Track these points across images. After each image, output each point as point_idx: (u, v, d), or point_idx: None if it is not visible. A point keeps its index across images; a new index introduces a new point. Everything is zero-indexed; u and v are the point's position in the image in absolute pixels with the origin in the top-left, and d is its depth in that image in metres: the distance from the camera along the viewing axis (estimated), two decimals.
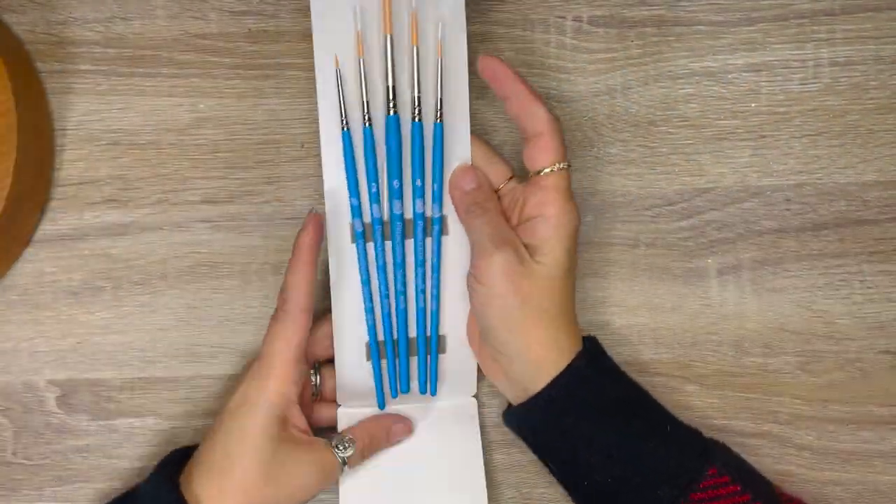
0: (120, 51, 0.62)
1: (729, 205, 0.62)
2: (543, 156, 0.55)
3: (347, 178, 0.57)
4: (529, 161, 0.56)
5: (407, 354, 0.59)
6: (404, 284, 0.58)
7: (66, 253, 0.62)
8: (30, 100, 0.60)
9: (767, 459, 0.62)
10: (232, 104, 0.62)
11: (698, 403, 0.62)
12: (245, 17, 0.62)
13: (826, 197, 0.62)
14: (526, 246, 0.55)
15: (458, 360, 0.59)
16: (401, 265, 0.57)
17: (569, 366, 0.54)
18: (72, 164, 0.62)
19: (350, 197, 0.57)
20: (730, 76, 0.62)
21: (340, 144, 0.56)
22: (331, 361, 0.59)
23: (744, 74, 0.62)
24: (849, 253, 0.62)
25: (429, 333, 0.59)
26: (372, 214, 0.57)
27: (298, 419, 0.55)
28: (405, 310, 0.58)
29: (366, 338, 0.58)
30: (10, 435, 0.61)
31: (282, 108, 0.62)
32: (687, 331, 0.62)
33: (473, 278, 0.55)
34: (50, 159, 0.62)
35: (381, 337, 0.58)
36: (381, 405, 0.59)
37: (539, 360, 0.55)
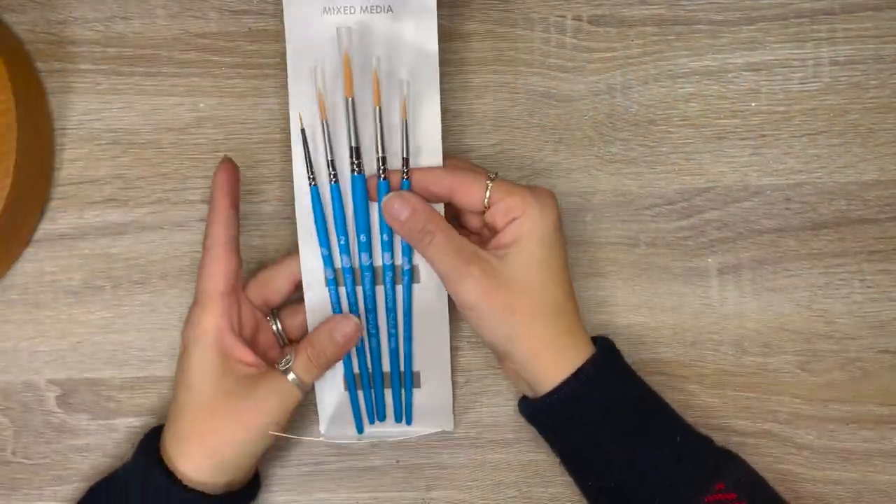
0: (120, 50, 0.62)
1: (729, 204, 0.62)
2: (470, 190, 0.55)
3: (317, 229, 0.57)
4: (475, 206, 0.55)
5: (382, 387, 0.60)
6: (376, 327, 0.59)
7: (66, 252, 0.62)
8: (30, 99, 0.60)
9: (767, 459, 0.62)
10: (232, 103, 0.62)
11: (698, 403, 0.62)
12: (245, 16, 0.62)
13: (826, 196, 0.62)
14: (503, 258, 0.54)
15: (432, 394, 0.60)
16: (372, 310, 0.58)
17: (578, 370, 0.54)
18: (72, 163, 0.62)
19: (321, 247, 0.57)
20: (730, 75, 0.63)
21: (310, 197, 0.57)
22: (290, 303, 0.59)
23: (744, 73, 0.62)
24: (849, 252, 0.62)
25: (402, 369, 0.60)
26: (342, 263, 0.58)
27: (243, 352, 0.55)
28: (378, 348, 0.59)
29: (343, 370, 0.59)
30: (9, 434, 0.62)
31: (282, 107, 0.62)
32: (687, 330, 0.62)
33: (458, 306, 0.55)
34: (50, 159, 0.62)
35: (357, 370, 0.60)
36: (360, 430, 0.60)
37: (546, 365, 0.54)
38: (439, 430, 0.61)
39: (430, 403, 0.60)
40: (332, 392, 0.60)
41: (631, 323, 0.62)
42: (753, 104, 0.63)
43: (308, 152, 0.56)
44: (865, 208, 0.62)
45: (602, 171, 0.62)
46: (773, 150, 0.62)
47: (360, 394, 0.60)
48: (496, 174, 0.55)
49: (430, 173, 0.55)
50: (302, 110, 0.56)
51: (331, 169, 0.56)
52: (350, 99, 0.55)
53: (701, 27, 0.63)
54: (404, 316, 0.58)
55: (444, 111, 0.62)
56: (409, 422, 0.61)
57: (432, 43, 0.56)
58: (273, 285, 0.58)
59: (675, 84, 0.63)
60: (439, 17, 0.62)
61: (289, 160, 0.58)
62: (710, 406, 0.62)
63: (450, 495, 0.62)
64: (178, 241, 0.62)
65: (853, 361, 0.62)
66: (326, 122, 0.56)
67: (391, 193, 0.55)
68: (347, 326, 0.56)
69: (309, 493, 0.62)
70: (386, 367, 0.60)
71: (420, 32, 0.56)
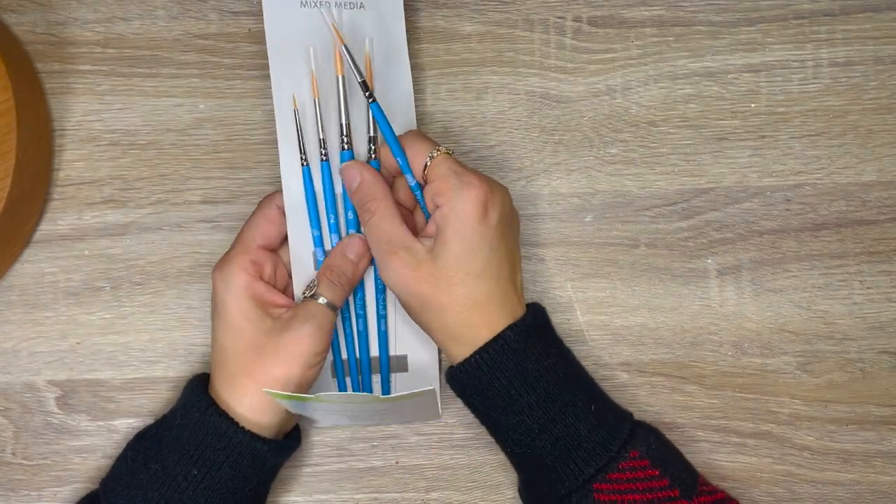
0: (120, 51, 0.62)
1: (729, 205, 0.62)
2: (413, 161, 0.56)
3: (308, 210, 0.58)
4: (416, 172, 0.56)
5: (369, 372, 0.60)
6: (364, 308, 0.59)
7: (65, 253, 0.62)
8: (30, 100, 0.60)
9: (767, 460, 0.62)
10: (232, 104, 0.62)
11: (698, 403, 0.62)
12: (245, 17, 0.62)
13: (826, 197, 0.62)
14: (428, 249, 0.54)
15: (419, 379, 0.60)
16: (359, 289, 0.59)
17: (496, 337, 0.54)
18: (71, 164, 0.62)
19: (311, 228, 0.58)
20: (729, 76, 0.63)
21: (300, 178, 0.58)
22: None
23: (743, 75, 0.63)
24: (849, 253, 0.62)
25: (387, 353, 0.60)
26: (332, 244, 0.58)
27: (274, 296, 0.56)
28: (366, 332, 0.59)
29: (331, 357, 0.60)
30: (9, 435, 0.61)
31: None
32: (687, 331, 0.62)
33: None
34: (49, 159, 0.62)
35: (344, 356, 0.60)
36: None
37: (459, 350, 0.55)
38: (425, 389, 0.57)
39: (417, 388, 0.59)
40: (319, 381, 0.59)
41: (630, 324, 0.62)
42: (753, 105, 0.63)
43: (301, 133, 0.57)
44: (865, 209, 0.62)
45: (602, 172, 0.62)
46: (772, 151, 0.63)
47: (348, 381, 0.60)
48: (448, 151, 0.55)
49: (386, 147, 0.57)
50: (286, 95, 0.57)
51: (322, 148, 0.57)
52: (341, 77, 0.57)
53: (700, 28, 0.63)
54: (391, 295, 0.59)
55: (444, 112, 0.63)
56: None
57: (399, 27, 0.58)
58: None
59: (675, 85, 0.63)
60: (439, 17, 0.63)
61: None
62: (709, 407, 0.62)
63: (450, 496, 0.62)
64: (177, 242, 0.62)
65: (853, 362, 0.62)
66: (319, 100, 0.57)
67: (352, 160, 0.57)
68: (355, 244, 0.57)
69: (309, 494, 0.62)
70: (374, 351, 0.60)
71: (388, 20, 0.58)
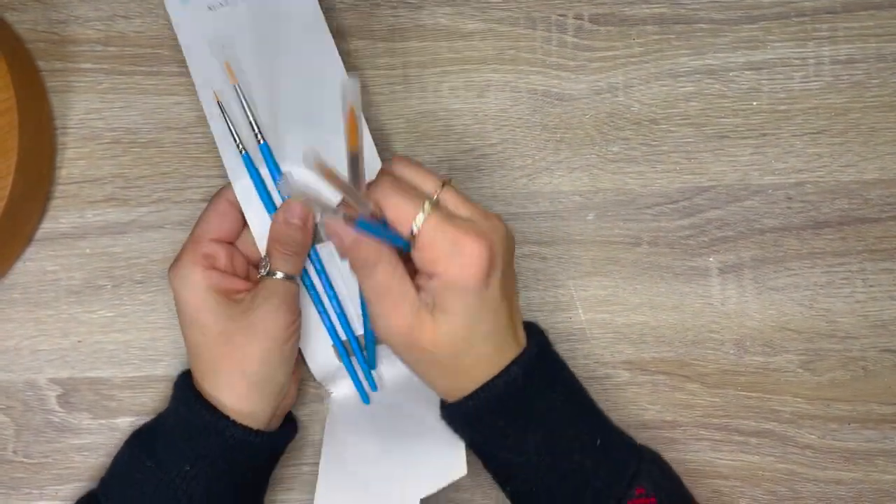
0: (121, 49, 0.62)
1: (730, 203, 0.62)
2: (398, 219, 0.49)
3: (260, 195, 0.57)
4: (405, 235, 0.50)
5: (374, 345, 0.60)
6: (332, 288, 0.59)
7: (67, 251, 0.62)
8: (31, 98, 0.60)
9: (769, 458, 0.61)
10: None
11: (700, 402, 0.62)
12: None
13: (828, 195, 0.62)
14: (429, 312, 0.51)
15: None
16: (322, 273, 0.59)
17: (501, 373, 0.52)
18: (73, 162, 0.62)
19: (267, 211, 0.57)
20: (731, 74, 0.62)
21: (244, 167, 0.57)
22: None
23: (745, 72, 0.62)
24: (851, 251, 0.62)
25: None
26: None
27: (232, 282, 0.55)
28: (343, 315, 0.59)
29: (329, 340, 0.59)
30: (11, 433, 0.61)
31: None
32: (688, 329, 0.62)
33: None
34: (51, 157, 0.62)
35: (343, 337, 0.60)
36: (366, 401, 0.60)
37: (462, 376, 0.52)
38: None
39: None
40: (325, 366, 0.60)
41: (632, 322, 0.62)
42: (755, 103, 0.63)
43: (230, 123, 0.57)
44: (867, 207, 0.62)
45: (604, 170, 0.62)
46: (774, 149, 0.62)
47: (354, 360, 0.60)
48: (433, 201, 0.50)
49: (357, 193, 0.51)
50: (208, 93, 0.58)
51: (256, 129, 0.57)
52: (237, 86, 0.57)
53: (702, 26, 0.63)
54: None
55: (446, 110, 0.63)
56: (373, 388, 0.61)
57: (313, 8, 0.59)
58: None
59: (677, 83, 0.63)
60: (441, 15, 0.63)
61: None
62: (711, 405, 0.62)
63: (450, 495, 0.62)
64: (179, 240, 0.62)
65: (855, 361, 0.62)
66: (239, 85, 0.57)
67: (330, 217, 0.49)
68: (295, 208, 0.55)
69: (309, 493, 0.61)
70: (359, 330, 0.60)
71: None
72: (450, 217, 0.50)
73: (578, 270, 0.62)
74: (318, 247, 0.59)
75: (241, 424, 0.54)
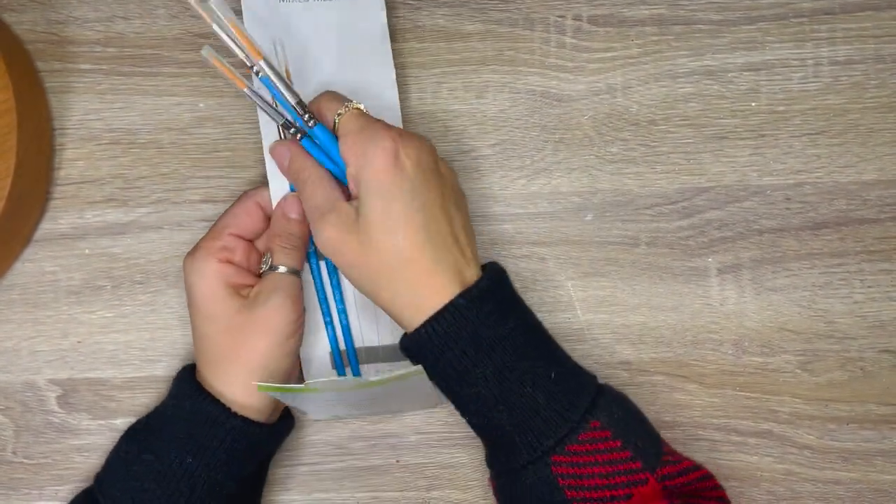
0: (120, 50, 0.62)
1: (729, 204, 0.62)
2: (321, 112, 0.55)
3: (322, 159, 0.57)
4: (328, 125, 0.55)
5: (356, 359, 0.60)
6: (343, 301, 0.59)
7: (66, 252, 0.62)
8: (30, 99, 0.60)
9: (768, 459, 0.62)
10: (232, 103, 0.62)
11: (698, 402, 0.62)
12: None
13: (826, 196, 0.62)
14: (356, 208, 0.53)
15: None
16: (337, 287, 0.59)
17: (447, 305, 0.52)
18: (72, 163, 0.62)
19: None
20: (730, 75, 0.63)
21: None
22: None
23: (744, 73, 0.62)
24: (849, 252, 0.62)
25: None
26: None
27: (244, 278, 0.56)
28: (349, 325, 0.60)
29: (328, 348, 0.60)
30: (10, 434, 0.61)
31: None
32: (687, 330, 0.62)
33: None
34: (50, 158, 0.62)
35: (343, 347, 0.60)
36: (341, 371, 0.61)
37: (411, 312, 0.52)
38: (412, 369, 0.55)
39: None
40: (318, 373, 0.60)
41: (631, 322, 0.62)
42: (753, 104, 0.63)
43: (278, 109, 0.56)
44: (866, 208, 0.62)
45: (602, 171, 0.62)
46: (773, 149, 0.63)
47: (349, 371, 0.60)
48: (359, 106, 0.54)
49: (315, 103, 0.56)
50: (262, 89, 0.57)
51: (295, 126, 0.56)
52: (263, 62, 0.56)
53: (701, 27, 0.63)
54: None
55: (444, 111, 0.63)
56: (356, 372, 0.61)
57: (379, 14, 0.60)
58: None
59: (675, 84, 0.63)
60: (439, 16, 0.63)
61: None
62: (710, 406, 0.62)
63: (450, 495, 0.62)
64: (178, 240, 0.62)
65: (854, 361, 0.62)
66: (288, 68, 0.57)
67: (276, 141, 0.57)
68: (292, 203, 0.57)
69: (308, 493, 0.62)
70: (372, 342, 0.60)
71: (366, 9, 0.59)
72: (367, 116, 0.54)
73: (577, 271, 0.62)
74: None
75: (244, 417, 0.54)
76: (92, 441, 0.62)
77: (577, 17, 0.63)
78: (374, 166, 0.52)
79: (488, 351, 0.52)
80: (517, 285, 0.62)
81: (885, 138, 0.62)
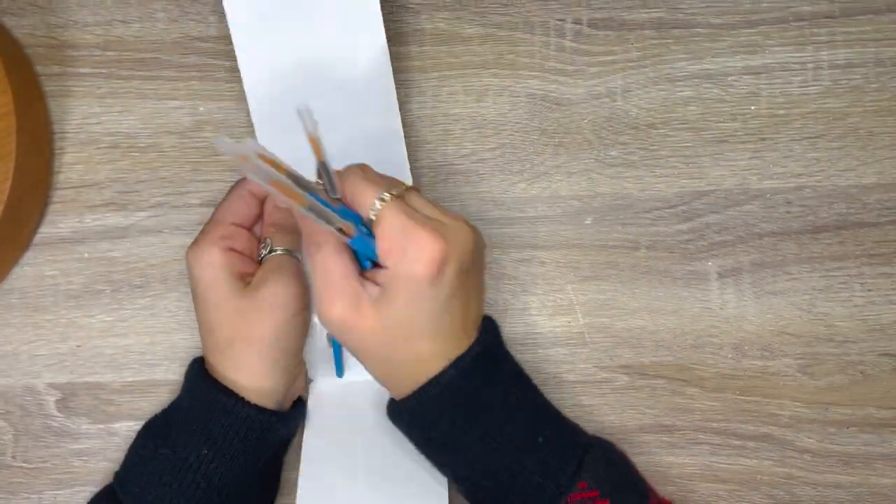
0: (120, 54, 0.62)
1: (729, 207, 0.62)
2: (354, 197, 0.51)
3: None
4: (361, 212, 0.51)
5: (339, 352, 0.60)
6: None
7: (65, 256, 0.62)
8: (29, 103, 0.60)
9: (768, 462, 0.61)
10: (231, 107, 0.62)
11: (699, 406, 0.62)
12: None
13: (826, 199, 0.62)
14: (375, 300, 0.50)
15: None
16: None
17: (438, 376, 0.51)
18: (71, 167, 0.62)
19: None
20: (729, 79, 0.63)
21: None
22: None
23: (743, 77, 0.62)
24: (849, 255, 0.62)
25: None
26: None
27: (247, 266, 0.55)
28: None
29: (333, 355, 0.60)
30: (9, 438, 0.61)
31: None
32: (687, 333, 0.62)
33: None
34: (49, 162, 0.62)
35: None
36: (340, 374, 0.61)
37: (404, 375, 0.52)
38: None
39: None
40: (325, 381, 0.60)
41: (631, 326, 0.62)
42: (753, 107, 0.63)
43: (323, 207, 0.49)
44: (865, 212, 0.62)
45: (602, 175, 0.62)
46: (772, 153, 0.62)
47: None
48: (395, 194, 0.50)
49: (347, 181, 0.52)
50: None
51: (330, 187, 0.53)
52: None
53: (700, 31, 0.63)
54: None
55: (444, 115, 0.63)
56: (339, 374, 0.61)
57: (384, 61, 0.56)
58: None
59: (675, 87, 0.63)
60: (439, 20, 0.63)
61: None
62: (710, 410, 0.62)
63: (450, 494, 0.62)
64: (177, 244, 0.62)
65: (854, 365, 0.62)
66: (326, 162, 0.50)
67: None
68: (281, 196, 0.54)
69: None
70: None
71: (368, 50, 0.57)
72: (408, 210, 0.50)
73: (577, 275, 0.62)
74: None
75: (255, 405, 0.54)
76: (91, 445, 0.61)
77: (576, 21, 0.63)
78: (415, 272, 0.49)
79: (476, 417, 0.52)
80: (517, 289, 0.62)
81: (885, 142, 0.62)
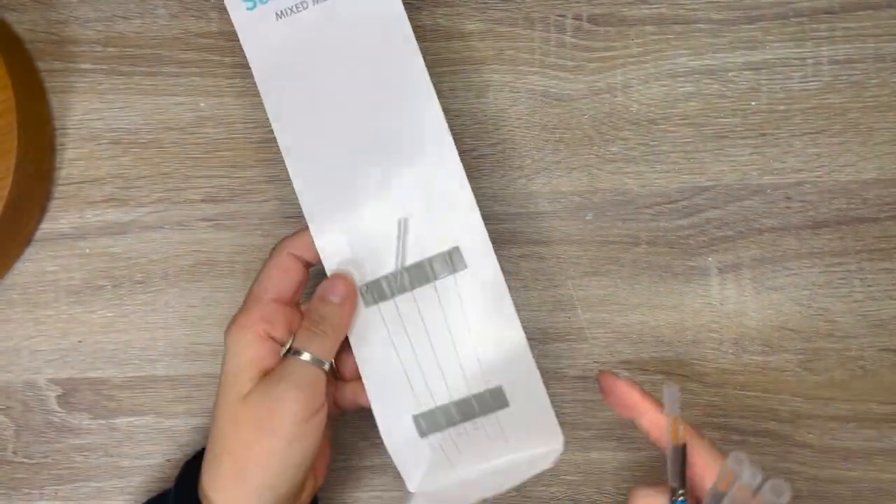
0: (121, 49, 0.62)
1: (729, 203, 0.62)
2: (701, 465, 0.47)
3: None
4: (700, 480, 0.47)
5: (465, 420, 0.52)
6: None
7: (66, 252, 0.62)
8: (30, 98, 0.60)
9: (768, 458, 0.62)
10: (232, 103, 0.62)
11: (699, 401, 0.62)
12: None
13: (826, 195, 0.62)
14: None
15: (525, 411, 0.52)
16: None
17: None
18: (72, 162, 0.62)
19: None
20: (730, 74, 0.63)
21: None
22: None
23: (744, 72, 0.63)
24: (849, 251, 0.62)
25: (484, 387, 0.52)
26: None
27: (274, 360, 0.49)
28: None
29: (410, 411, 0.51)
30: (10, 433, 0.62)
31: None
32: (688, 329, 0.62)
33: None
34: (50, 158, 0.62)
35: (430, 405, 0.52)
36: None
37: None
38: (547, 449, 0.50)
39: (526, 423, 0.52)
40: (405, 443, 0.51)
41: (631, 322, 0.62)
42: (753, 103, 0.63)
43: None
44: (866, 207, 0.62)
45: (602, 170, 0.62)
46: (773, 148, 0.63)
47: (441, 436, 0.51)
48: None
49: (619, 385, 0.49)
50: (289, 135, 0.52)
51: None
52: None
53: (701, 26, 0.63)
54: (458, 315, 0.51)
55: (445, 111, 0.62)
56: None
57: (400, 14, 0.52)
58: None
59: (675, 83, 0.63)
60: (439, 16, 0.63)
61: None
62: (710, 405, 0.62)
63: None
64: (179, 240, 0.62)
65: (854, 360, 0.62)
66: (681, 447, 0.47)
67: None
68: (337, 285, 0.50)
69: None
70: (457, 393, 0.51)
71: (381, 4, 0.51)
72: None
73: (577, 270, 0.62)
74: (398, 299, 0.51)
75: None
76: (92, 440, 0.62)
77: (577, 17, 0.63)
78: None
79: None
80: (518, 284, 0.62)
81: (885, 137, 0.62)
